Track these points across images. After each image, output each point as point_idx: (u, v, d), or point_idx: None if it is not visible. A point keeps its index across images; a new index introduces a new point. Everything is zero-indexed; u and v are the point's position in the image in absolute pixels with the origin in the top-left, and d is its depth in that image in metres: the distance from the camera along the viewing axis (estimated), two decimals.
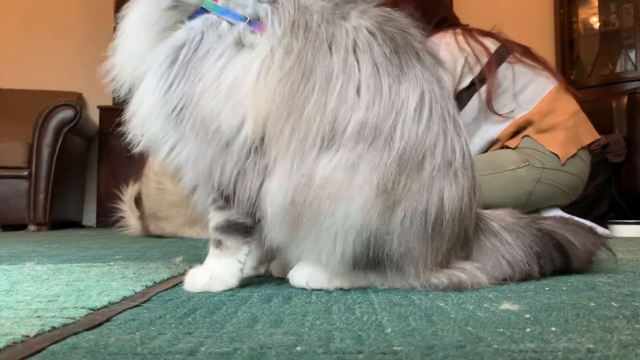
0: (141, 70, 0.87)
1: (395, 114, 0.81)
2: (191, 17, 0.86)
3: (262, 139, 0.83)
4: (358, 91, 0.81)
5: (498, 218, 0.95)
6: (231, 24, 0.84)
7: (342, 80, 0.81)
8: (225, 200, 0.88)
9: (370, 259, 0.82)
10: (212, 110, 0.82)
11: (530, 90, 1.93)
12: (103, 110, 3.78)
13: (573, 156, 1.89)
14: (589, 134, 1.95)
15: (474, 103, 1.95)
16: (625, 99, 2.72)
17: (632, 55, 3.56)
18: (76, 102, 3.58)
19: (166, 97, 0.83)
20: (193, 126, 0.83)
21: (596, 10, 3.80)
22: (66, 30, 4.15)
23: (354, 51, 0.83)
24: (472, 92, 1.95)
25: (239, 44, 0.83)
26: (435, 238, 0.82)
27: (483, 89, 1.92)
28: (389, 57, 0.83)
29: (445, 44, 1.95)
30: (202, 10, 0.86)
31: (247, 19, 0.84)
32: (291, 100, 0.81)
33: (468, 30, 2.00)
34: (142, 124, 0.86)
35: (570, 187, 1.93)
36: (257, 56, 0.82)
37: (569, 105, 1.95)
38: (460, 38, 1.96)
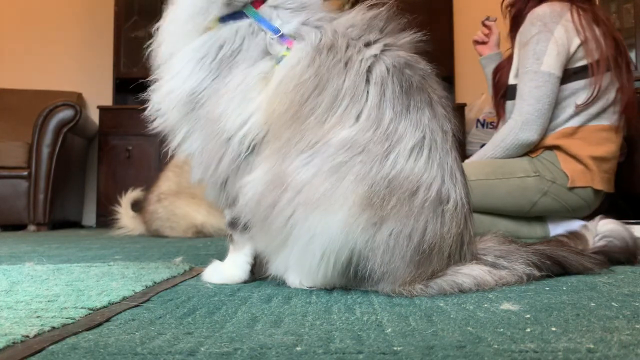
0: (176, 53, 0.91)
1: (389, 145, 0.81)
2: (232, 16, 0.90)
3: (263, 138, 0.86)
4: (358, 117, 0.82)
5: (490, 250, 0.93)
6: (264, 32, 0.88)
7: (347, 103, 0.83)
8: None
9: (351, 277, 0.82)
10: (223, 109, 0.86)
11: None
12: (103, 110, 3.77)
13: (580, 187, 1.88)
14: (601, 184, 1.89)
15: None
16: None
17: (633, 55, 3.55)
18: (76, 102, 3.58)
19: (193, 91, 0.88)
20: (205, 120, 0.88)
21: None
22: (66, 30, 4.16)
23: (367, 80, 0.84)
24: (581, 76, 1.89)
25: (265, 52, 0.88)
26: (411, 262, 0.80)
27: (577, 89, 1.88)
28: (399, 95, 0.84)
29: (566, 20, 1.89)
30: (242, 14, 0.90)
31: (279, 31, 0.88)
32: (299, 108, 0.83)
33: (594, 16, 1.90)
34: (166, 108, 0.90)
35: (575, 208, 1.92)
36: (285, 65, 0.86)
37: (606, 146, 1.90)
38: (577, 20, 1.88)
